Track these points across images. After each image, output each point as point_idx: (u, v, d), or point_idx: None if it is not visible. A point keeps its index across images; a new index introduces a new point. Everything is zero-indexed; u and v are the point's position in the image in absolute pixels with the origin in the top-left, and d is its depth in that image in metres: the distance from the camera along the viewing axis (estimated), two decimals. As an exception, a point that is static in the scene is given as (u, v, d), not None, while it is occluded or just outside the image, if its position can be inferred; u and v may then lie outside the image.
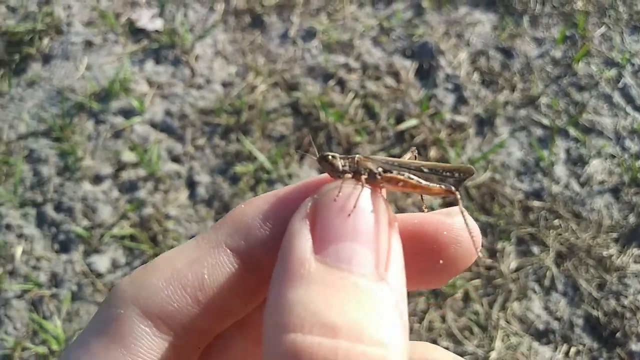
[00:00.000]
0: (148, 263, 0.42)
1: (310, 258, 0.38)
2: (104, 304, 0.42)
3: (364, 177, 0.46)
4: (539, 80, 2.40)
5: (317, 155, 0.48)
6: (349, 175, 0.46)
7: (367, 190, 0.42)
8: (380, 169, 0.48)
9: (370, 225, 0.40)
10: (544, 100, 2.34)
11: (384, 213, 0.41)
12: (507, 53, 2.51)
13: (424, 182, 0.48)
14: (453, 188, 0.49)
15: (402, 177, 0.48)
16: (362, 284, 0.37)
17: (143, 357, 0.40)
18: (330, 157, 0.47)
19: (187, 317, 0.40)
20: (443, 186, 0.50)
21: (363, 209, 0.40)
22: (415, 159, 0.54)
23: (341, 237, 0.39)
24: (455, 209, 0.46)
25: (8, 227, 2.00)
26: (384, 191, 0.48)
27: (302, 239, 0.38)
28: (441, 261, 0.44)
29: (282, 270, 0.38)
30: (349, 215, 0.40)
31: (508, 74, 2.44)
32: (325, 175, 0.48)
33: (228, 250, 0.42)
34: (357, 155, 0.48)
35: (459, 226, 0.45)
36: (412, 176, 0.49)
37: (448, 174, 0.50)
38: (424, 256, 0.45)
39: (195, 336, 0.42)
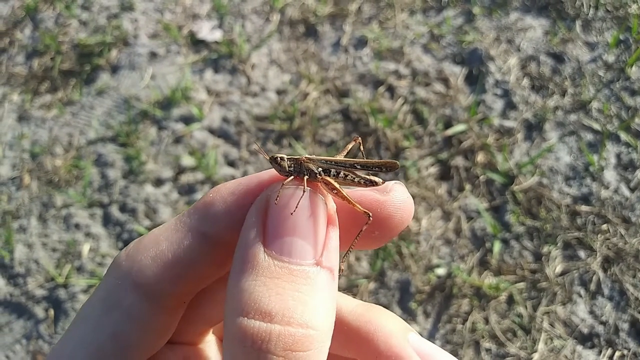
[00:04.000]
0: (141, 238, 0.52)
1: (260, 251, 0.45)
2: (106, 275, 0.52)
3: (305, 177, 0.52)
4: (591, 84, 2.39)
5: (268, 157, 0.54)
6: (293, 176, 0.53)
7: (307, 191, 0.49)
8: (320, 169, 0.54)
9: (308, 221, 0.47)
10: (595, 104, 2.33)
11: (322, 209, 0.48)
12: (559, 58, 2.50)
13: (351, 194, 0.54)
14: (380, 180, 0.56)
15: (335, 185, 0.53)
16: (298, 271, 0.45)
17: (137, 317, 0.49)
18: (278, 158, 0.53)
19: (169, 286, 0.49)
20: (368, 181, 0.56)
21: (302, 207, 0.47)
22: (360, 148, 0.62)
23: (285, 233, 0.46)
24: (389, 184, 0.53)
25: (77, 226, 2.17)
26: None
27: (253, 234, 0.46)
28: (376, 232, 0.52)
29: (237, 260, 0.46)
30: (292, 213, 0.47)
31: (559, 79, 2.44)
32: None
33: (199, 233, 0.50)
34: (301, 156, 0.54)
35: (391, 203, 0.52)
36: (350, 175, 0.56)
37: (377, 168, 0.57)
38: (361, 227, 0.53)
39: (177, 298, 0.51)
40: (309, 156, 0.55)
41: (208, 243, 0.50)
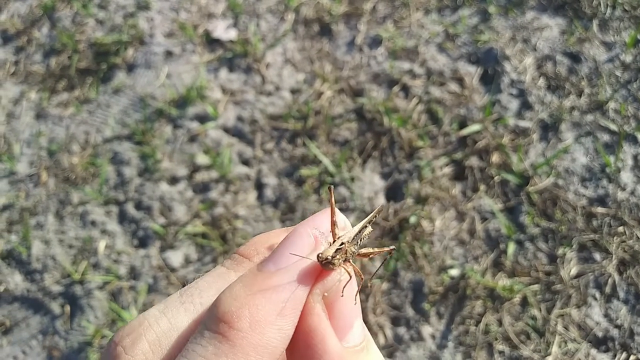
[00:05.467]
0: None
1: (342, 349, 0.42)
2: None
3: (352, 267, 0.47)
4: (608, 85, 2.36)
5: (318, 260, 0.45)
6: (341, 264, 0.47)
7: (352, 276, 0.45)
8: (353, 249, 0.49)
9: (358, 304, 0.45)
10: (612, 105, 2.31)
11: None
12: (575, 58, 2.48)
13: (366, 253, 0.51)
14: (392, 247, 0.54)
15: (365, 252, 0.50)
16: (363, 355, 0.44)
17: None
18: (328, 258, 0.45)
19: None
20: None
21: (352, 294, 0.45)
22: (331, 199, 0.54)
23: (352, 321, 0.44)
24: None
25: (93, 223, 2.20)
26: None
27: (330, 334, 0.42)
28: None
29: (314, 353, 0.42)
30: (355, 304, 0.44)
31: (575, 79, 2.42)
32: (315, 263, 0.45)
33: None
34: (343, 245, 0.47)
35: None
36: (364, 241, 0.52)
37: (375, 218, 0.54)
38: None
39: None
40: (347, 240, 0.49)
41: None
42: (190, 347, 0.39)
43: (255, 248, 0.47)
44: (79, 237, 2.17)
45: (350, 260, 0.48)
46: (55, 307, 2.03)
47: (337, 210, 0.50)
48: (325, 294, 0.43)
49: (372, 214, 0.56)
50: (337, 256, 0.45)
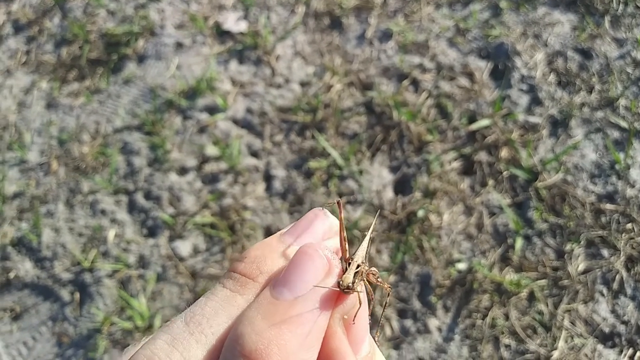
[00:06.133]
0: None
1: None
2: None
3: (365, 295, 0.48)
4: (619, 81, 2.36)
5: (340, 288, 0.45)
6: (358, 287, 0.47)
7: (364, 300, 0.47)
8: (366, 268, 0.49)
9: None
10: (622, 102, 2.30)
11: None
12: (586, 54, 2.47)
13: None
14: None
15: (373, 278, 0.50)
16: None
17: None
18: (349, 285, 0.45)
19: None
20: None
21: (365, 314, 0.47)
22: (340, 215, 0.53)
23: (364, 336, 0.46)
24: None
25: (103, 212, 2.21)
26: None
27: (350, 353, 0.44)
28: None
29: None
30: (369, 322, 0.47)
31: (586, 75, 2.41)
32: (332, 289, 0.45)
33: None
34: (360, 268, 0.47)
35: None
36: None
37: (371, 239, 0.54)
38: None
39: None
40: (362, 261, 0.48)
41: None
42: None
43: (256, 266, 0.44)
44: (89, 225, 2.18)
45: (365, 279, 0.48)
46: (65, 294, 2.04)
47: (333, 218, 0.50)
48: (345, 316, 0.44)
49: (372, 226, 0.56)
50: (356, 280, 0.45)
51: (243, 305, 0.42)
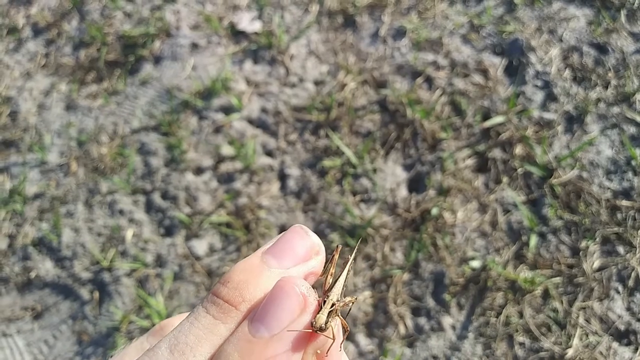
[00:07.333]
0: None
1: None
2: None
3: (339, 321, 0.50)
4: (635, 76, 2.33)
5: (313, 328, 0.46)
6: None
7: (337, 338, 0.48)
8: (341, 304, 0.50)
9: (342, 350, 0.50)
10: (639, 97, 2.27)
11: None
12: (602, 49, 2.45)
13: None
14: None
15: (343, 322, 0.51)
16: None
17: None
18: (322, 327, 0.47)
19: None
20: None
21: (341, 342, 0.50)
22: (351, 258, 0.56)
23: None
24: None
25: (121, 212, 2.25)
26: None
27: None
28: None
29: None
30: (340, 350, 0.49)
31: (602, 71, 2.39)
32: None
33: None
34: (335, 306, 0.49)
35: None
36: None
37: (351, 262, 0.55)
38: None
39: None
40: (337, 299, 0.50)
41: None
42: None
43: (239, 293, 0.46)
44: (108, 225, 2.23)
45: (339, 315, 0.49)
46: (84, 293, 2.09)
47: (314, 237, 0.52)
48: (318, 351, 0.47)
49: (351, 257, 0.56)
50: (329, 319, 0.47)
51: (225, 334, 0.44)
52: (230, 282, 0.47)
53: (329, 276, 0.52)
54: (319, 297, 0.48)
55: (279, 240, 0.50)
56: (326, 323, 0.46)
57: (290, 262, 0.49)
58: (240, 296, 0.46)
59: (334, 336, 0.47)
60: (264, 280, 0.47)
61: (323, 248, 0.52)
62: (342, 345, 0.48)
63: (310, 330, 0.45)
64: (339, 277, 0.52)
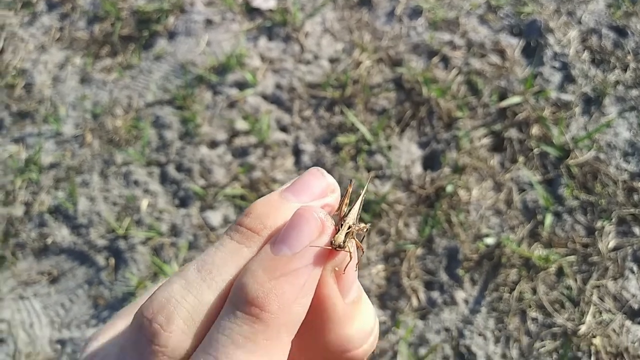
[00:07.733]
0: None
1: (345, 305, 0.51)
2: None
3: (355, 243, 0.53)
4: (654, 59, 2.32)
5: (332, 245, 0.49)
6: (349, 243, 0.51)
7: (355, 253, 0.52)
8: (357, 227, 0.54)
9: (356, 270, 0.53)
10: (657, 79, 2.26)
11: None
12: (621, 32, 2.43)
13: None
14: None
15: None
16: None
17: None
18: (340, 245, 0.50)
19: None
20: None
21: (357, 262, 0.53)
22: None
23: (352, 283, 0.52)
24: None
25: (136, 182, 2.25)
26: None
27: (339, 297, 0.50)
28: None
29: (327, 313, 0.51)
30: (355, 270, 0.52)
31: (621, 53, 2.37)
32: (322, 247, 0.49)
33: None
34: (351, 227, 0.52)
35: None
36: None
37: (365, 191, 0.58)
38: None
39: None
40: (353, 222, 0.53)
41: None
42: (225, 325, 0.43)
43: (260, 222, 0.49)
44: (123, 195, 2.23)
45: (355, 237, 0.53)
46: (100, 259, 2.10)
47: (329, 178, 0.55)
48: (336, 268, 0.50)
49: (365, 188, 0.61)
50: (347, 239, 0.50)
51: (248, 256, 0.47)
52: (253, 213, 0.50)
53: (344, 206, 0.55)
54: (335, 224, 0.51)
55: (296, 181, 0.53)
56: (344, 242, 0.49)
57: (308, 198, 0.52)
58: (262, 224, 0.49)
59: (350, 255, 0.50)
60: (284, 211, 0.49)
61: (338, 188, 0.55)
62: (358, 265, 0.52)
63: (330, 248, 0.48)
64: (354, 204, 0.55)
